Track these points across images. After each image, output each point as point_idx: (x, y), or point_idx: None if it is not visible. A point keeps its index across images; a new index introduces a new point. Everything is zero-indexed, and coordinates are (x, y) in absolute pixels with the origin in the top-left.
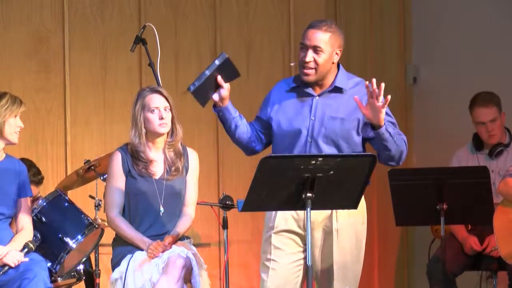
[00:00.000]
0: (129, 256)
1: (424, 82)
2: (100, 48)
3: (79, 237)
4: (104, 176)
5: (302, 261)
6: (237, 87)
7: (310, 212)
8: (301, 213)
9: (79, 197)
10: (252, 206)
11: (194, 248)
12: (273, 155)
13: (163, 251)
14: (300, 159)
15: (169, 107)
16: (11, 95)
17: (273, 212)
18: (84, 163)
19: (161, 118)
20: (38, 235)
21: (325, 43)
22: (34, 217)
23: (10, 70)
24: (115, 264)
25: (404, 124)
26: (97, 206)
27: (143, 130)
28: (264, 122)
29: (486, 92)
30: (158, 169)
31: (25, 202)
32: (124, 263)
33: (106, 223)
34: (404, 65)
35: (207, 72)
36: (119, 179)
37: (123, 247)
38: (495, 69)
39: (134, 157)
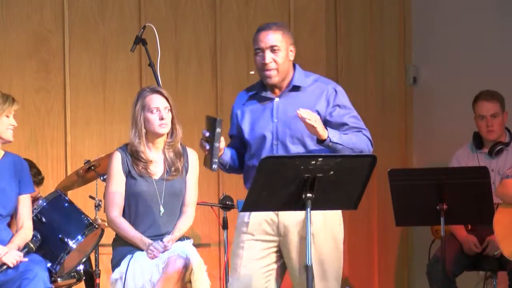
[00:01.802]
0: (129, 256)
1: (424, 82)
2: (100, 48)
3: (79, 237)
4: (104, 177)
5: (273, 266)
6: (237, 87)
7: (310, 212)
8: (275, 217)
9: (79, 197)
10: (252, 206)
11: (194, 248)
12: (273, 155)
13: (163, 252)
14: (300, 160)
15: (169, 108)
16: (2, 94)
17: (246, 215)
18: (84, 163)
19: (161, 119)
20: (38, 235)
21: (280, 41)
22: (34, 217)
23: (10, 70)
24: (115, 264)
25: (404, 124)
26: (97, 207)
27: (143, 130)
28: (237, 137)
29: (492, 90)
30: (158, 169)
31: (26, 199)
32: (124, 263)
33: (106, 224)
34: (404, 65)
35: (217, 144)
36: (119, 180)
37: (123, 247)
38: (495, 69)
39: (134, 157)
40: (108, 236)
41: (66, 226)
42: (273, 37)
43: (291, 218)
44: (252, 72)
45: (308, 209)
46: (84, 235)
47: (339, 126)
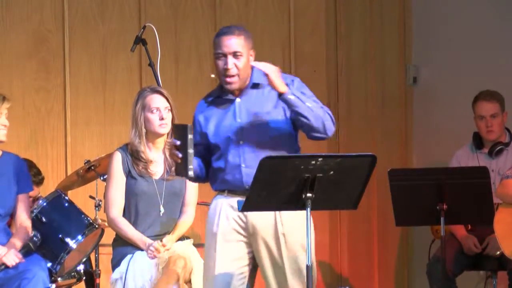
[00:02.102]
0: (129, 256)
1: (424, 82)
2: (100, 48)
3: (79, 237)
4: (104, 176)
5: (246, 268)
6: None
7: (310, 212)
8: (244, 217)
9: (79, 197)
10: (252, 206)
11: (194, 248)
12: (273, 155)
13: (163, 251)
14: (300, 159)
15: (170, 108)
16: None
17: (216, 216)
18: (84, 163)
19: (162, 119)
20: (38, 235)
21: (242, 47)
22: (34, 217)
23: (10, 70)
24: (115, 264)
25: (404, 124)
26: (97, 206)
27: (143, 130)
28: (201, 145)
29: (492, 90)
30: (158, 169)
31: (24, 197)
32: (124, 263)
33: (106, 223)
34: (404, 65)
35: (191, 151)
36: (119, 179)
37: (123, 247)
38: (495, 69)
39: (134, 157)
40: (108, 236)
41: (66, 226)
42: (236, 43)
43: (259, 218)
44: (212, 76)
45: (308, 209)
46: (84, 235)
47: None
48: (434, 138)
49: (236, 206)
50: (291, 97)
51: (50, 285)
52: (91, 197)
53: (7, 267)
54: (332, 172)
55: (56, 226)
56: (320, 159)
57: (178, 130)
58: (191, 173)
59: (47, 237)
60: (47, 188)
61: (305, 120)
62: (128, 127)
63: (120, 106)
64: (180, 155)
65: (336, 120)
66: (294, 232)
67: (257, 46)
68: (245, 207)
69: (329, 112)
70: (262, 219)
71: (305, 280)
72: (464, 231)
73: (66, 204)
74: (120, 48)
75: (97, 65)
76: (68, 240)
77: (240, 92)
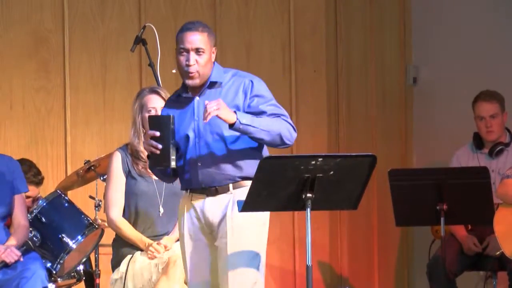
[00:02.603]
0: (129, 256)
1: (424, 82)
2: (100, 48)
3: (79, 237)
4: (104, 177)
5: (213, 263)
6: None
7: (309, 212)
8: (203, 217)
9: (79, 197)
10: (252, 207)
11: None
12: (273, 155)
13: (163, 252)
14: (300, 160)
15: None
16: None
17: (182, 217)
18: (84, 164)
19: None
20: (38, 235)
21: (205, 43)
22: (34, 217)
23: (10, 70)
24: (115, 265)
25: (404, 124)
26: (97, 207)
27: (142, 130)
28: None
29: (492, 90)
30: None
31: (20, 198)
32: (124, 263)
33: (106, 224)
34: (404, 65)
35: (173, 141)
36: (119, 180)
37: (123, 247)
38: (495, 69)
39: (134, 157)
40: (108, 236)
41: (66, 226)
42: (199, 39)
43: (212, 215)
44: (173, 71)
45: (308, 209)
46: (84, 235)
47: (258, 114)
48: (434, 138)
49: (199, 205)
50: (240, 126)
51: (48, 284)
52: (91, 197)
53: (6, 265)
54: (332, 172)
55: (56, 226)
56: (320, 159)
57: (157, 121)
58: (173, 163)
59: (47, 237)
60: (47, 188)
61: (260, 141)
62: (128, 127)
63: (120, 106)
64: (160, 146)
65: (336, 120)
66: (243, 230)
67: (257, 46)
68: (245, 207)
69: (288, 120)
70: (213, 217)
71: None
72: (464, 231)
73: (66, 204)
74: (120, 48)
75: (97, 65)
76: (68, 240)
77: (199, 90)
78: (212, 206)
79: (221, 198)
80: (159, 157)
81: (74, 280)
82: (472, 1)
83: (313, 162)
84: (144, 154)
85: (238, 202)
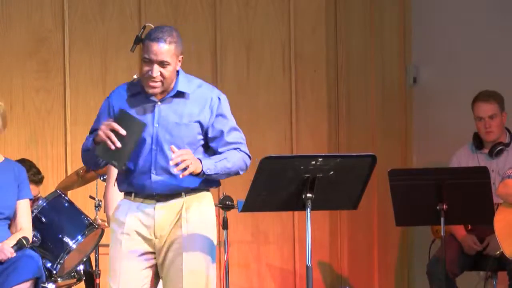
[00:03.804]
0: None
1: (424, 82)
2: (100, 48)
3: (79, 237)
4: (104, 177)
5: (150, 270)
6: (237, 87)
7: (309, 212)
8: (151, 220)
9: (79, 197)
10: (252, 207)
11: None
12: (273, 155)
13: None
14: (300, 160)
15: None
16: None
17: (122, 214)
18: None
19: None
20: (38, 235)
21: (171, 56)
22: (34, 217)
23: (10, 70)
24: None
25: (404, 124)
26: (97, 207)
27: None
28: None
29: (491, 90)
30: None
31: (25, 203)
32: None
33: (106, 224)
34: (404, 65)
35: (133, 148)
36: None
37: None
38: (495, 69)
39: None
40: (108, 236)
41: (66, 226)
42: (166, 52)
43: (163, 219)
44: (135, 77)
45: (308, 209)
46: (84, 235)
47: (219, 136)
48: (434, 138)
49: (146, 209)
50: (207, 172)
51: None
52: (91, 197)
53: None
54: (332, 172)
55: (56, 226)
56: (320, 159)
57: (129, 122)
58: (124, 168)
59: (47, 237)
60: (47, 188)
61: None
62: None
63: None
64: (118, 145)
65: (336, 120)
66: (196, 234)
67: (257, 46)
68: (245, 208)
69: (244, 148)
70: (164, 221)
71: (200, 282)
72: (464, 231)
73: (66, 204)
74: (120, 48)
75: (97, 65)
76: (68, 240)
77: (163, 96)
78: (163, 212)
79: (172, 204)
80: (112, 153)
81: (74, 280)
82: (472, 2)
83: (313, 162)
84: None
85: (238, 202)
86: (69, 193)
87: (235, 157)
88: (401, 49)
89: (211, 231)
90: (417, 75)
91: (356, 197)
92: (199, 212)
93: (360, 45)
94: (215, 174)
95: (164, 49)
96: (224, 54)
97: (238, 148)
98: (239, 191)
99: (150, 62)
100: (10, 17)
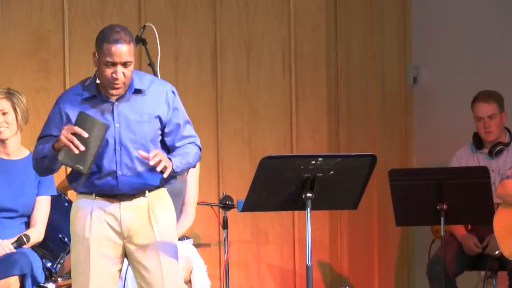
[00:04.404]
0: None
1: (424, 82)
2: None
3: None
4: None
5: (118, 273)
6: (237, 87)
7: (309, 212)
8: (119, 221)
9: None
10: (252, 206)
11: (194, 248)
12: (273, 155)
13: None
14: (300, 159)
15: None
16: None
17: (87, 220)
18: None
19: None
20: None
21: (132, 54)
22: None
23: (10, 70)
24: None
25: (404, 124)
26: None
27: None
28: (56, 137)
29: (490, 90)
30: None
31: (43, 200)
32: (124, 263)
33: None
34: (404, 65)
35: (97, 151)
36: None
37: None
38: (495, 69)
39: None
40: None
41: (66, 225)
42: (128, 52)
43: (135, 220)
44: (97, 82)
45: (308, 209)
46: None
47: (175, 129)
48: (434, 138)
49: (110, 210)
50: (176, 169)
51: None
52: None
53: None
54: (332, 172)
55: (56, 226)
56: (320, 159)
57: (91, 123)
58: (88, 171)
59: (47, 237)
60: None
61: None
62: None
63: None
64: (82, 148)
65: (336, 120)
66: (166, 234)
67: (257, 46)
68: (245, 207)
69: (198, 143)
70: (135, 222)
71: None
72: (464, 231)
73: (66, 204)
74: None
75: None
76: (68, 240)
77: (119, 96)
78: (129, 211)
79: (137, 203)
80: (76, 158)
81: None
82: (472, 2)
83: (313, 162)
84: None
85: (238, 201)
86: (69, 193)
87: (193, 151)
88: (401, 49)
89: (175, 229)
90: (417, 75)
91: (356, 197)
92: (165, 212)
93: (360, 45)
94: (181, 170)
95: (125, 49)
96: (224, 54)
97: (193, 142)
98: (239, 191)
99: (114, 64)
100: (10, 17)
